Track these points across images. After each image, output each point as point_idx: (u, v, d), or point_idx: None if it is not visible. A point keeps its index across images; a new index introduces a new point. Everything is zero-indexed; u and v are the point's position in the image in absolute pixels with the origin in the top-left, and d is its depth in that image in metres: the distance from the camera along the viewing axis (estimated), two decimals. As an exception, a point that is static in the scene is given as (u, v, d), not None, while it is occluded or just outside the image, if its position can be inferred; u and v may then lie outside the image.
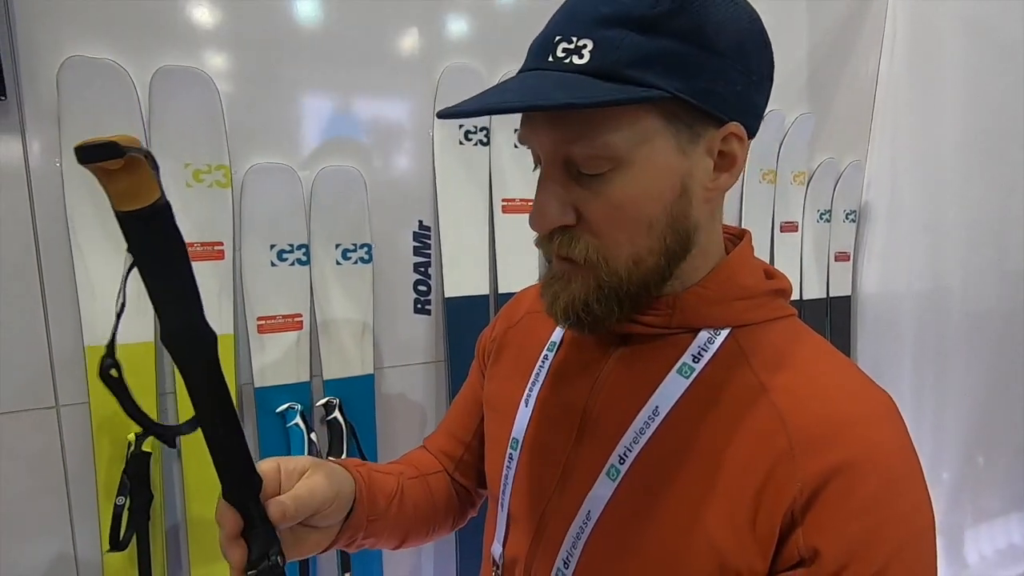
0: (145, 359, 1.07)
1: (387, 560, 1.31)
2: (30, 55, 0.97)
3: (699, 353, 0.53)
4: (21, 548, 1.06)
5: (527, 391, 0.64)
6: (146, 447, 1.05)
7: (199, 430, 0.49)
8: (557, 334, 0.65)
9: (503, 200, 1.34)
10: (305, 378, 1.20)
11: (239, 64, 1.11)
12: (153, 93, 1.03)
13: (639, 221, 0.49)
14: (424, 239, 1.30)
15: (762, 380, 0.51)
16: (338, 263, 1.21)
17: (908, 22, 1.75)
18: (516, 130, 0.53)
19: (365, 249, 1.23)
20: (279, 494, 0.53)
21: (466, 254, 1.32)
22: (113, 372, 0.46)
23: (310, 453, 1.17)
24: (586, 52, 0.46)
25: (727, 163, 0.51)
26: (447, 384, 1.36)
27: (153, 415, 1.08)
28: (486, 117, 1.29)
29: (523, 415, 0.63)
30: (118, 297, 0.45)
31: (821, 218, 1.81)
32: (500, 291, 1.35)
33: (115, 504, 1.03)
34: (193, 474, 1.11)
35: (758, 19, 0.51)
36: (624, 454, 0.53)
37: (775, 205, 1.71)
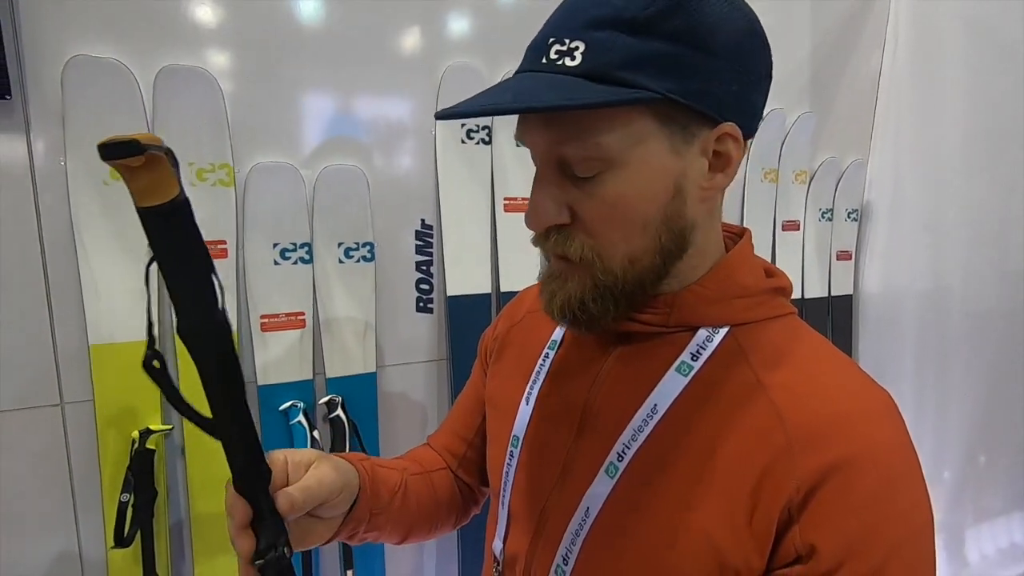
0: (149, 357, 1.07)
1: (389, 557, 1.32)
2: (34, 54, 0.98)
3: (698, 351, 0.53)
4: (26, 545, 1.07)
5: (528, 389, 0.64)
6: (150, 444, 1.05)
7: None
8: (558, 333, 0.65)
9: (505, 199, 1.35)
10: (308, 376, 1.21)
11: (242, 63, 1.11)
12: (157, 92, 1.04)
13: (633, 221, 0.50)
14: (426, 238, 1.31)
15: (760, 377, 0.51)
16: (340, 261, 1.21)
17: (910, 21, 1.75)
18: None
19: (367, 248, 1.23)
20: (287, 485, 0.54)
21: (468, 253, 1.33)
22: (156, 363, 0.47)
23: (313, 451, 1.17)
24: (578, 54, 0.46)
25: (722, 163, 0.51)
26: (449, 382, 1.36)
27: (157, 411, 1.08)
28: (488, 116, 1.30)
29: (524, 413, 0.63)
30: (146, 292, 0.47)
31: (823, 217, 1.81)
32: (502, 290, 1.36)
33: (119, 501, 1.03)
34: (197, 471, 1.11)
35: (755, 19, 0.51)
36: (623, 452, 0.53)
37: (777, 204, 1.72)
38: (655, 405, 0.53)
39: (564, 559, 0.55)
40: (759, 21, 0.51)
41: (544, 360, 0.64)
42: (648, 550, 0.51)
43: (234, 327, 1.14)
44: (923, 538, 0.48)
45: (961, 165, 1.73)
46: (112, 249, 1.03)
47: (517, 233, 1.34)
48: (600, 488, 0.54)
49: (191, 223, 0.44)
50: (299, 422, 1.17)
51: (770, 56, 0.52)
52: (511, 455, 0.64)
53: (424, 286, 1.32)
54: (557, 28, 0.48)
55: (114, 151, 0.39)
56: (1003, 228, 1.75)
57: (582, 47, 0.46)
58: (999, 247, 1.76)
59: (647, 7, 0.46)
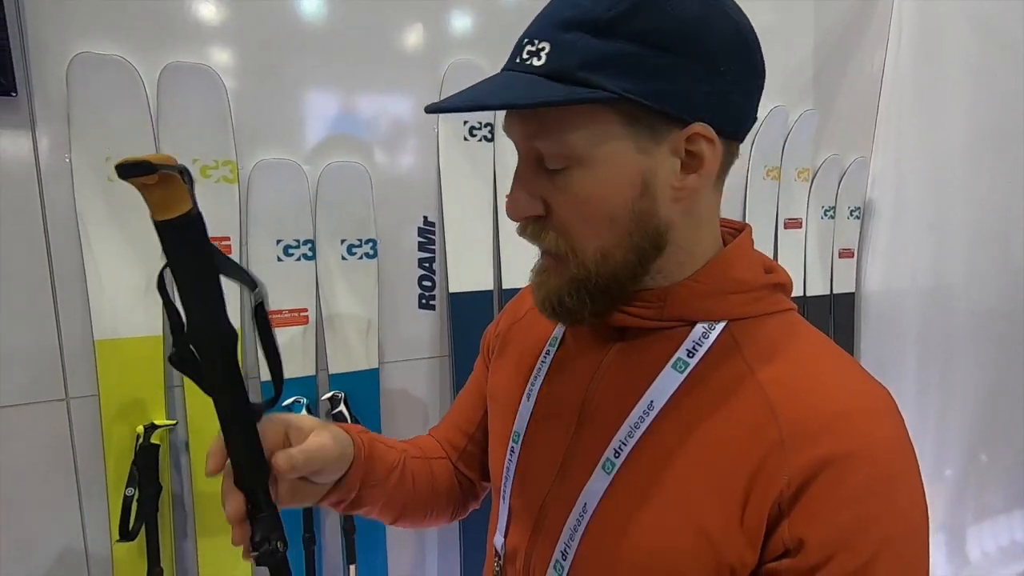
0: (153, 352, 1.08)
1: (392, 551, 1.33)
2: (39, 51, 0.98)
3: (694, 348, 0.54)
4: (32, 538, 1.08)
5: (529, 385, 0.64)
6: (155, 439, 1.06)
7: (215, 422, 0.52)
8: (559, 330, 0.65)
9: (507, 196, 1.34)
10: (311, 372, 1.22)
11: (246, 60, 1.12)
12: (161, 89, 1.04)
13: (600, 216, 0.51)
14: (429, 234, 1.31)
15: (754, 372, 0.52)
16: (343, 258, 1.22)
17: (913, 19, 1.74)
18: None
19: (370, 244, 1.24)
20: (289, 447, 0.56)
21: (470, 249, 1.33)
22: (182, 357, 0.52)
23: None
24: (543, 54, 0.49)
25: (696, 163, 0.51)
26: (451, 379, 1.37)
27: (161, 406, 1.09)
28: (490, 113, 1.30)
29: (525, 409, 0.64)
30: (160, 296, 0.51)
31: (825, 215, 1.81)
32: (504, 286, 1.36)
33: (124, 495, 1.04)
34: (201, 466, 1.12)
35: (739, 19, 0.50)
36: (619, 448, 0.54)
37: (779, 201, 1.72)
38: (651, 402, 0.53)
39: (563, 554, 0.56)
40: (746, 21, 0.51)
41: (545, 357, 0.65)
42: (645, 546, 0.52)
43: (237, 323, 1.14)
44: (918, 538, 0.48)
45: (964, 163, 1.72)
46: (117, 245, 1.04)
47: (519, 230, 1.34)
48: (597, 484, 0.54)
49: (202, 236, 0.48)
50: (302, 418, 1.18)
51: (756, 56, 0.52)
52: (512, 451, 0.64)
53: (426, 283, 1.33)
54: (532, 29, 0.51)
55: (129, 170, 0.43)
56: (1006, 226, 1.74)
57: (548, 48, 0.48)
58: (1002, 245, 1.75)
59: (611, 8, 0.47)
